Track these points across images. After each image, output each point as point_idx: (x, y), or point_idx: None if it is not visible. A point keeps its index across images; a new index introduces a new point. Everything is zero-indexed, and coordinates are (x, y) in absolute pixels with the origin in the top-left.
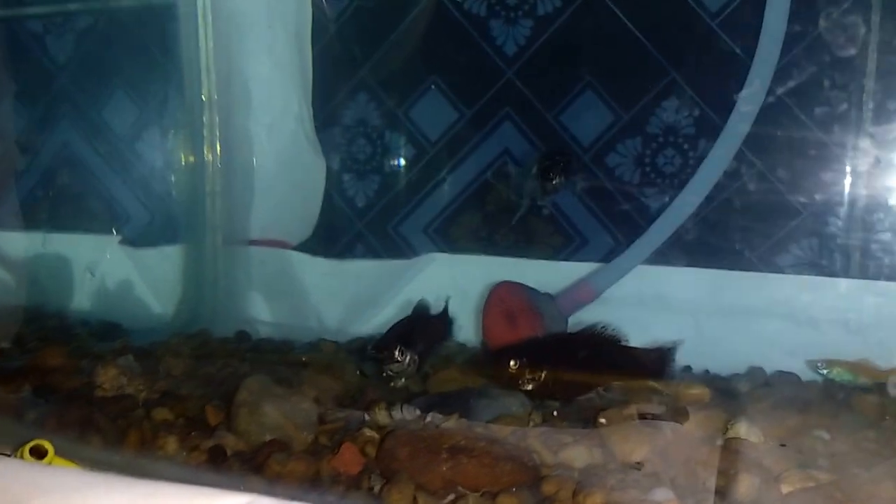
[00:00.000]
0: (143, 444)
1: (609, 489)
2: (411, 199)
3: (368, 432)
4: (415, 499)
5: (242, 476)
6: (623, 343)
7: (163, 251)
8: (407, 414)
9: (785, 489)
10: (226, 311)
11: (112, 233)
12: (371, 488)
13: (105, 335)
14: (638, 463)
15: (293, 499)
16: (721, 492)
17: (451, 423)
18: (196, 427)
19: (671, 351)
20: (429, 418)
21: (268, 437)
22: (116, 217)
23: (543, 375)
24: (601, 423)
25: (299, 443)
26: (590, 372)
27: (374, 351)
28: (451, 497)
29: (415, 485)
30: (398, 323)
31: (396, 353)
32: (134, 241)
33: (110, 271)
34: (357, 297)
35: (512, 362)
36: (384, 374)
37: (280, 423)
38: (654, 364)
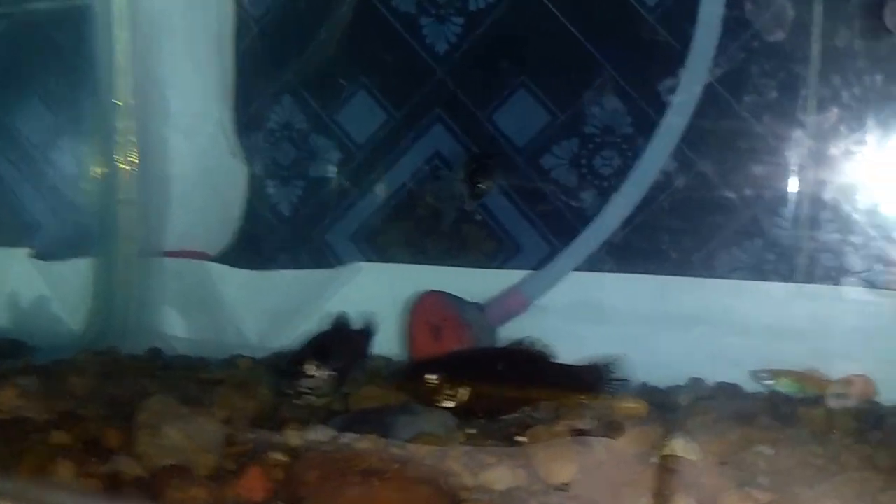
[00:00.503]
0: (38, 470)
1: None
2: (338, 206)
3: (278, 455)
4: None
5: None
6: (553, 359)
7: (74, 264)
8: (321, 434)
9: None
10: (139, 327)
11: (20, 245)
12: None
13: (9, 353)
14: (564, 484)
15: None
16: None
17: (367, 443)
18: (95, 451)
19: (606, 367)
20: (344, 439)
21: (168, 462)
22: (26, 228)
23: (465, 392)
24: (519, 442)
25: (203, 467)
26: (516, 389)
27: (286, 366)
28: None
29: None
30: (314, 337)
31: (310, 368)
32: (44, 253)
33: (18, 286)
34: (280, 309)
35: (429, 377)
36: (298, 392)
37: (182, 445)
38: (588, 382)
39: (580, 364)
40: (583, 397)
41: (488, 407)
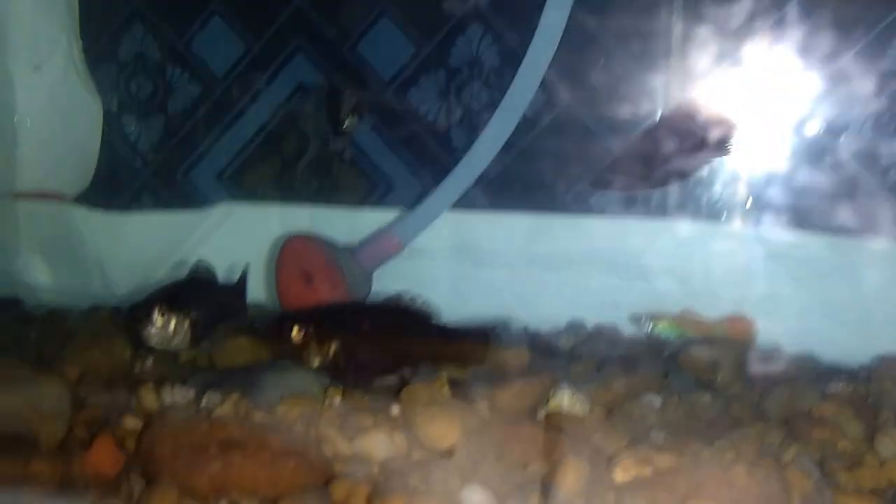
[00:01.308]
0: None
1: (410, 492)
2: (201, 143)
3: (132, 421)
4: None
5: None
6: (433, 318)
7: None
8: (179, 396)
9: (620, 477)
10: None
11: None
12: (131, 493)
13: None
14: (448, 450)
15: None
16: (546, 484)
17: (228, 407)
18: None
19: (492, 330)
20: (204, 401)
21: (8, 431)
22: None
23: (333, 350)
24: (395, 414)
25: (48, 437)
26: (393, 349)
27: (129, 314)
28: None
29: (179, 489)
30: (165, 285)
31: (155, 315)
32: None
33: None
34: (145, 253)
35: (294, 331)
36: (144, 344)
37: (24, 412)
38: (471, 345)
39: (464, 327)
40: (465, 361)
41: (361, 367)
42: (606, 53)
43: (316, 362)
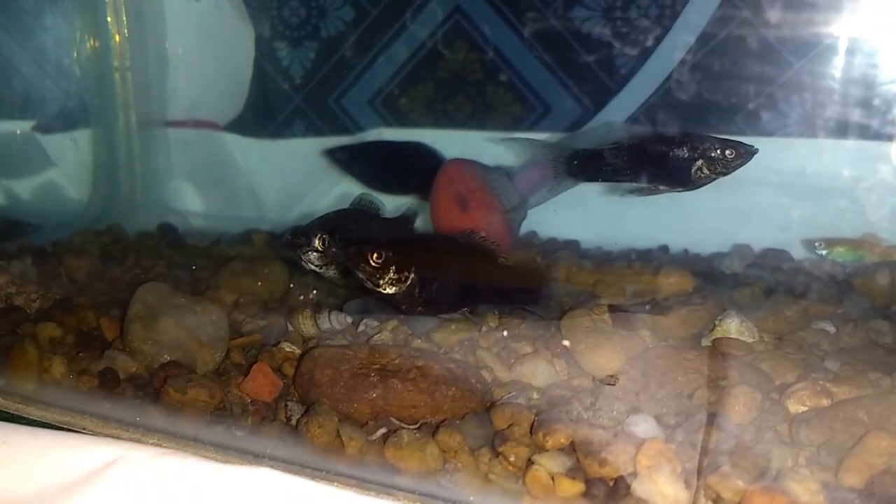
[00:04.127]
0: (27, 366)
1: (575, 420)
2: (354, 68)
3: (288, 347)
4: (338, 433)
5: (138, 405)
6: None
7: (74, 136)
8: (336, 322)
9: (794, 408)
10: (146, 202)
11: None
12: (288, 419)
13: (3, 234)
14: (611, 376)
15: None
16: (714, 412)
17: (386, 334)
18: (88, 345)
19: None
20: (361, 327)
21: (166, 358)
22: (25, 99)
23: (411, 279)
24: (565, 346)
25: (205, 362)
26: (462, 288)
27: (289, 237)
28: (382, 431)
29: (339, 416)
30: (329, 214)
31: (316, 240)
32: (46, 126)
33: (15, 162)
34: (298, 179)
35: (374, 256)
36: (301, 265)
37: (181, 339)
38: (532, 294)
39: (528, 268)
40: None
41: (433, 302)
42: None
43: (391, 290)
